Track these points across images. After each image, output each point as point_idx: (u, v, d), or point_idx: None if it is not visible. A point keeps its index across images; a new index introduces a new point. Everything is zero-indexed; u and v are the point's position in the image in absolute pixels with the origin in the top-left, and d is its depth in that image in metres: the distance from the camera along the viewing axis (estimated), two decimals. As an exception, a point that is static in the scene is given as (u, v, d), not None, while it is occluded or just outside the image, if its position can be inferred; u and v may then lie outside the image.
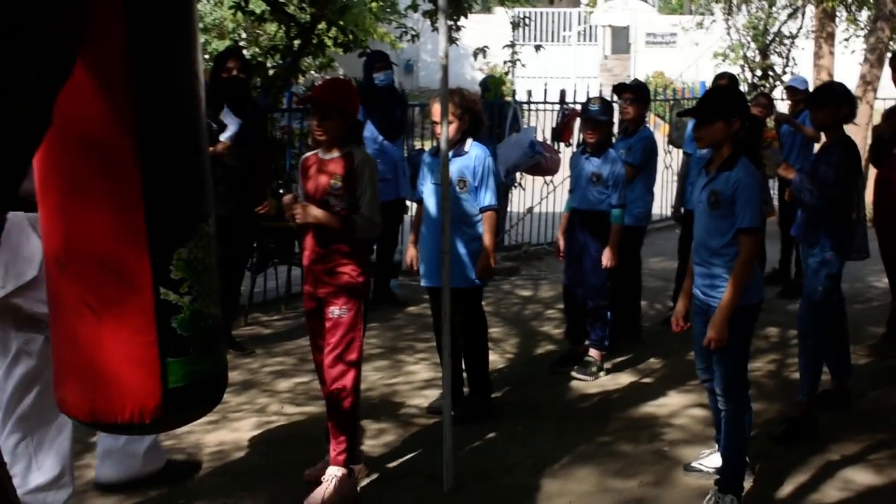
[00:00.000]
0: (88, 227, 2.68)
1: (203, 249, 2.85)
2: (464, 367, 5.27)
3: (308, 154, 4.47)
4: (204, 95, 2.85)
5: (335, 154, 4.25)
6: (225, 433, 4.99)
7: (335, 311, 4.21)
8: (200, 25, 17.39)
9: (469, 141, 5.10)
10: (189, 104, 2.79)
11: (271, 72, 8.19)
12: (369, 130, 7.25)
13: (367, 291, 4.39)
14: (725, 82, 7.52)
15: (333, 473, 4.16)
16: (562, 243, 6.15)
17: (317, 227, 4.21)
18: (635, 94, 6.66)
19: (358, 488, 4.28)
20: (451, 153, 4.82)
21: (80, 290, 2.72)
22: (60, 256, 2.75)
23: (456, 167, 5.00)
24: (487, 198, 5.07)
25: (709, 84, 8.17)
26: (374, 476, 4.47)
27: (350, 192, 4.20)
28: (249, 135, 6.06)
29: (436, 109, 4.81)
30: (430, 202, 5.13)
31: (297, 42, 8.27)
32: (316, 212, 4.17)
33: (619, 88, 6.86)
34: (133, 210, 2.67)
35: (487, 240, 5.07)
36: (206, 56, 17.29)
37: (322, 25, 8.40)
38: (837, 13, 14.30)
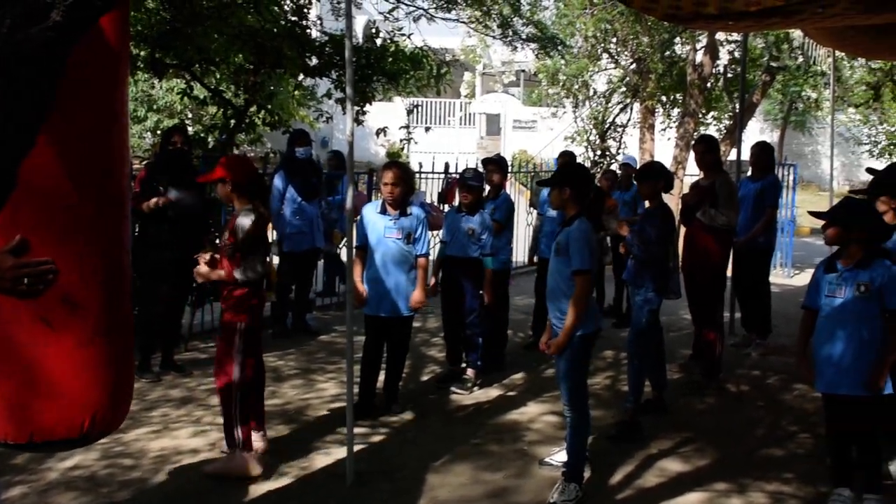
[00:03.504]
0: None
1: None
2: (383, 376, 5.48)
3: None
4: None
5: (236, 210, 4.40)
6: (166, 440, 4.82)
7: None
8: (154, 107, 16.82)
9: (409, 204, 5.37)
10: None
11: (211, 145, 8.05)
12: (290, 193, 7.19)
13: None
14: (563, 160, 7.63)
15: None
16: (432, 281, 6.02)
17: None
18: (497, 165, 6.73)
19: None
20: (397, 213, 5.28)
21: (34, 310, 2.56)
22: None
23: (404, 225, 5.29)
24: (424, 247, 5.38)
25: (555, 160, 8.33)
26: (287, 474, 4.38)
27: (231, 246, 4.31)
28: (190, 196, 5.93)
29: (387, 175, 5.26)
30: (384, 250, 5.27)
31: (232, 122, 8.17)
32: (203, 269, 4.33)
33: (485, 161, 6.93)
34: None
35: (421, 275, 5.35)
36: (158, 132, 16.91)
37: (253, 108, 8.34)
38: (656, 109, 14.90)
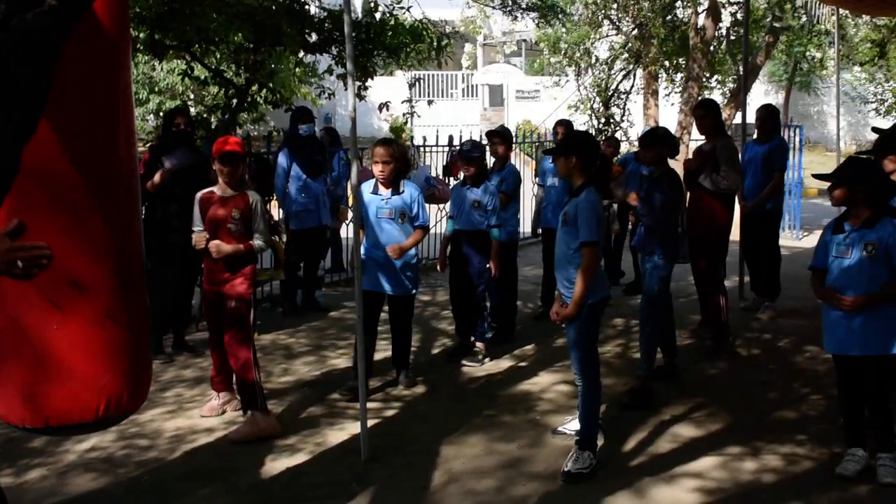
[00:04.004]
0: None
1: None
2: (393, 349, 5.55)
3: (203, 192, 4.73)
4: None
5: (231, 193, 4.64)
6: (180, 420, 4.85)
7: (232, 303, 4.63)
8: (156, 89, 16.78)
9: (402, 182, 5.28)
10: None
11: (214, 125, 8.02)
12: (295, 170, 7.16)
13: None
14: (563, 128, 7.52)
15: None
16: (442, 258, 6.19)
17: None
18: (501, 137, 6.68)
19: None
20: (389, 192, 5.19)
21: (43, 293, 2.56)
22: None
23: (397, 204, 5.21)
24: (421, 218, 5.32)
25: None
26: (301, 450, 4.41)
27: (246, 223, 4.63)
28: (196, 176, 5.91)
29: (377, 153, 5.18)
30: (382, 227, 5.22)
31: (234, 101, 8.13)
32: (221, 248, 4.57)
33: (489, 134, 6.89)
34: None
35: (412, 240, 5.26)
36: (161, 114, 16.86)
37: (255, 87, 8.29)
38: (659, 75, 14.78)
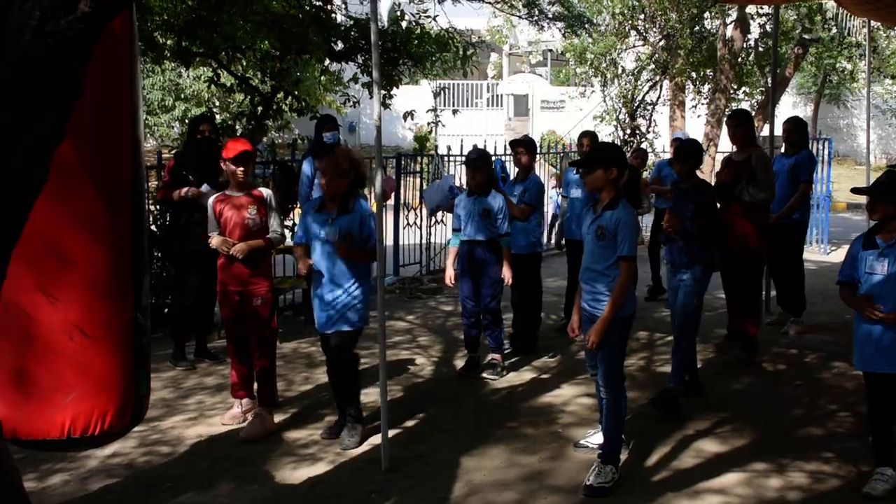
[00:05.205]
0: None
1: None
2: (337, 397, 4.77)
3: (216, 196, 4.94)
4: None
5: (244, 192, 4.88)
6: (202, 427, 4.88)
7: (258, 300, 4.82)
8: (182, 96, 16.94)
9: (356, 200, 4.58)
10: None
11: (239, 133, 8.10)
12: (319, 178, 7.17)
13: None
14: (588, 140, 7.45)
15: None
16: (451, 272, 5.85)
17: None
18: (525, 147, 6.60)
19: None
20: (335, 211, 4.50)
21: (71, 318, 2.53)
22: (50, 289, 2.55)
23: (341, 225, 4.50)
24: (373, 240, 4.48)
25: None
26: (322, 460, 4.41)
27: (262, 217, 4.86)
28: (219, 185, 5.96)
29: (324, 163, 4.54)
30: (320, 256, 4.53)
31: (259, 108, 8.20)
32: (249, 244, 4.78)
33: (513, 143, 6.82)
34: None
35: (358, 256, 4.53)
36: (186, 121, 17.06)
37: (280, 95, 8.36)
38: (686, 86, 14.70)
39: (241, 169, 4.81)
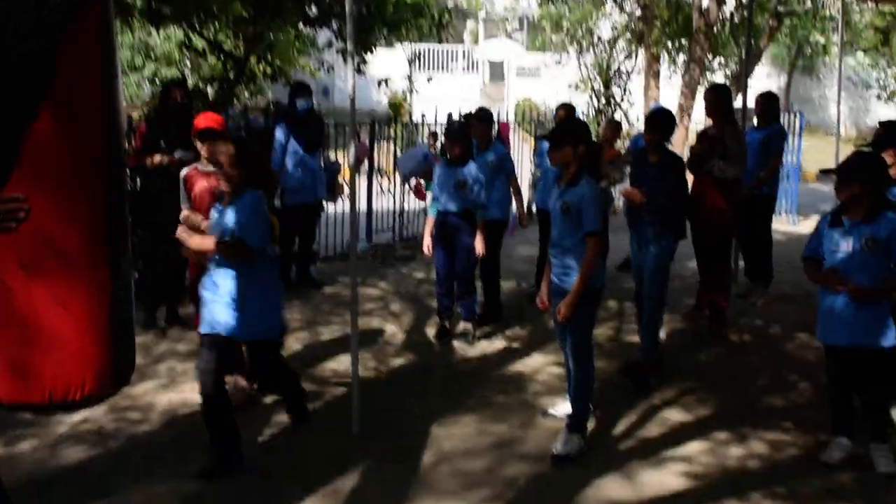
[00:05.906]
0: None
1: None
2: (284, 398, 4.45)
3: (188, 169, 4.83)
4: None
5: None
6: (173, 394, 4.89)
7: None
8: (152, 56, 16.58)
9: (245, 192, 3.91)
10: None
11: (211, 97, 8.00)
12: (293, 145, 7.13)
13: None
14: (564, 112, 7.41)
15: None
16: (428, 241, 5.94)
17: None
18: (479, 120, 6.47)
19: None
20: (228, 202, 3.91)
21: (48, 290, 2.52)
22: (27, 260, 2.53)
23: (228, 220, 3.90)
24: (256, 241, 3.87)
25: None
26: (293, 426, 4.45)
27: None
28: (195, 155, 5.90)
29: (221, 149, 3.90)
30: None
31: (232, 73, 8.10)
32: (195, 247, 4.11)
33: (467, 117, 6.76)
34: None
35: (230, 252, 3.89)
36: (157, 81, 16.75)
37: (253, 59, 8.25)
38: (661, 56, 14.71)
39: (206, 146, 4.67)
